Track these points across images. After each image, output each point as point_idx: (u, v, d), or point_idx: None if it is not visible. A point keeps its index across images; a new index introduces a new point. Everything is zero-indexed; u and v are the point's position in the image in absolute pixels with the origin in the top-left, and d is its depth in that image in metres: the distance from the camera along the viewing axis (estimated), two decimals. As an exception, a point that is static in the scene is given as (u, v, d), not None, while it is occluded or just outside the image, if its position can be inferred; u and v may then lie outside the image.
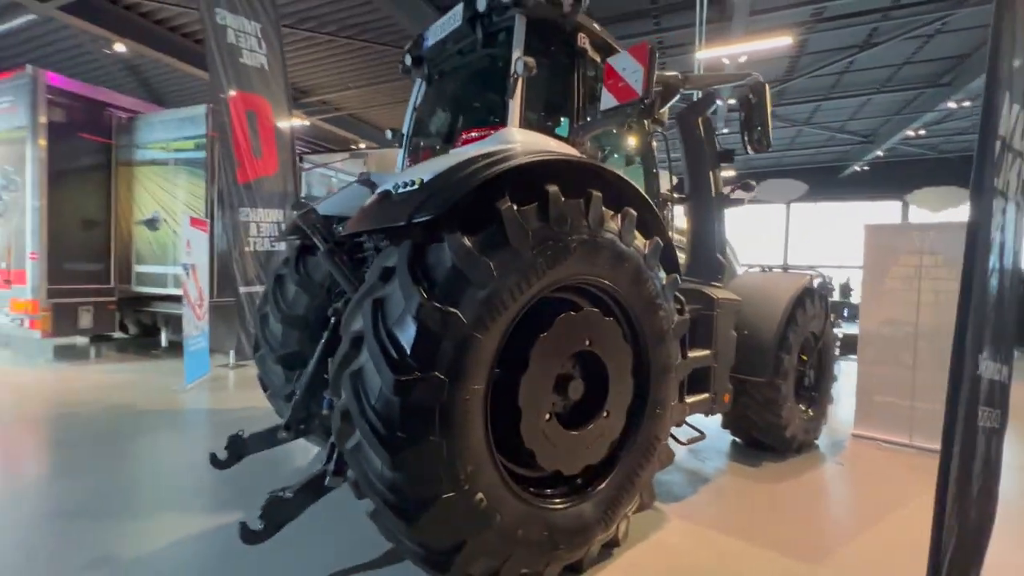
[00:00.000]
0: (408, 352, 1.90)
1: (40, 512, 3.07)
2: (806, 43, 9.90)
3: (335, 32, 9.31)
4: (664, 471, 3.98)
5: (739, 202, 4.02)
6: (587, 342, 2.47)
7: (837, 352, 5.05)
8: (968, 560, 1.44)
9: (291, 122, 4.89)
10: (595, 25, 3.24)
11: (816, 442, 4.70)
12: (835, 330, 4.95)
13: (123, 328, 8.93)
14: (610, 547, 2.69)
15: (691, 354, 3.30)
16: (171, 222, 7.08)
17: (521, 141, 2.53)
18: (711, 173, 3.83)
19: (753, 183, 4.00)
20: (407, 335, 1.92)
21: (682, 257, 4.09)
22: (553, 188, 2.25)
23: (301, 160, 8.33)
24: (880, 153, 15.98)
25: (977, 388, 1.30)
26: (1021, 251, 1.54)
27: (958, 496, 1.29)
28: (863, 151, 16.97)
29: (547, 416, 2.33)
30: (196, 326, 6.03)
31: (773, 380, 4.00)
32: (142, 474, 3.78)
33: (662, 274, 2.85)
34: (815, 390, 4.68)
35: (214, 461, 3.06)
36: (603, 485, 2.58)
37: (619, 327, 2.64)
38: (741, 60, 8.89)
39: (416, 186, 2.21)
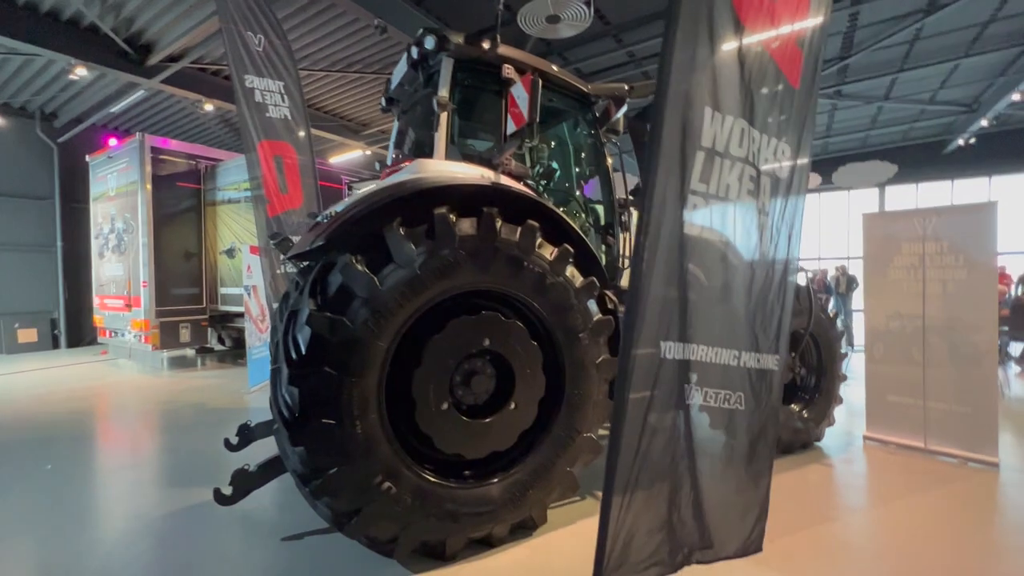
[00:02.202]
0: (303, 352, 2.38)
1: (129, 477, 4.02)
2: (858, 16, 9.13)
3: (380, 71, 10.35)
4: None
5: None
6: (486, 342, 2.79)
7: (847, 350, 4.75)
8: (713, 539, 1.57)
9: (314, 160, 5.70)
10: (522, 54, 3.55)
11: (817, 444, 4.48)
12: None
13: (221, 341, 10.59)
14: (527, 529, 2.95)
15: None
16: (244, 251, 8.36)
17: (428, 170, 2.92)
18: (663, 176, 3.92)
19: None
20: (304, 338, 2.41)
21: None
22: (439, 210, 2.63)
23: (350, 188, 9.38)
24: (984, 123, 13.89)
25: (665, 368, 1.47)
26: (760, 247, 1.65)
27: (646, 471, 1.45)
28: (968, 122, 14.85)
29: (444, 406, 2.69)
30: (258, 338, 7.10)
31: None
32: (190, 453, 4.67)
33: (577, 278, 3.07)
34: (814, 390, 4.47)
35: (227, 445, 3.79)
36: (513, 470, 2.87)
37: (526, 327, 2.92)
38: (774, 46, 8.43)
39: (330, 217, 2.72)
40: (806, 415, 4.33)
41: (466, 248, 2.66)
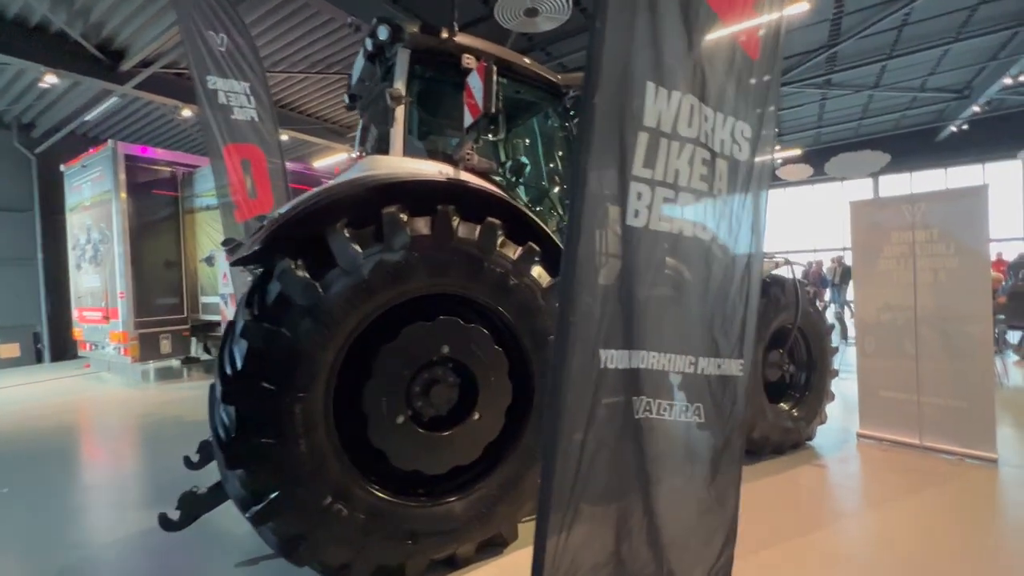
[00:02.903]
0: (238, 366, 2.20)
1: (90, 498, 3.83)
2: (843, 2, 8.96)
3: (359, 71, 10.15)
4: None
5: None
6: (445, 349, 2.60)
7: (837, 345, 4.57)
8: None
9: (284, 162, 5.51)
10: (482, 43, 3.37)
11: (809, 443, 4.30)
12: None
13: (207, 350, 10.38)
14: (496, 547, 2.77)
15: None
16: (219, 258, 8.16)
17: (380, 167, 2.73)
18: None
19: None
20: (240, 352, 2.22)
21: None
22: (388, 209, 2.45)
23: (332, 191, 9.21)
24: (977, 108, 13.73)
25: (606, 379, 1.28)
26: (717, 240, 1.46)
27: (587, 498, 1.27)
28: (960, 108, 14.69)
29: (400, 419, 2.50)
30: (236, 347, 6.91)
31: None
32: (159, 470, 4.46)
33: (544, 278, 2.88)
34: (804, 388, 4.29)
35: (187, 463, 3.59)
36: (478, 486, 2.68)
37: (489, 332, 2.74)
38: (760, 34, 8.26)
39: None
40: (796, 414, 4.15)
41: (419, 249, 2.48)
